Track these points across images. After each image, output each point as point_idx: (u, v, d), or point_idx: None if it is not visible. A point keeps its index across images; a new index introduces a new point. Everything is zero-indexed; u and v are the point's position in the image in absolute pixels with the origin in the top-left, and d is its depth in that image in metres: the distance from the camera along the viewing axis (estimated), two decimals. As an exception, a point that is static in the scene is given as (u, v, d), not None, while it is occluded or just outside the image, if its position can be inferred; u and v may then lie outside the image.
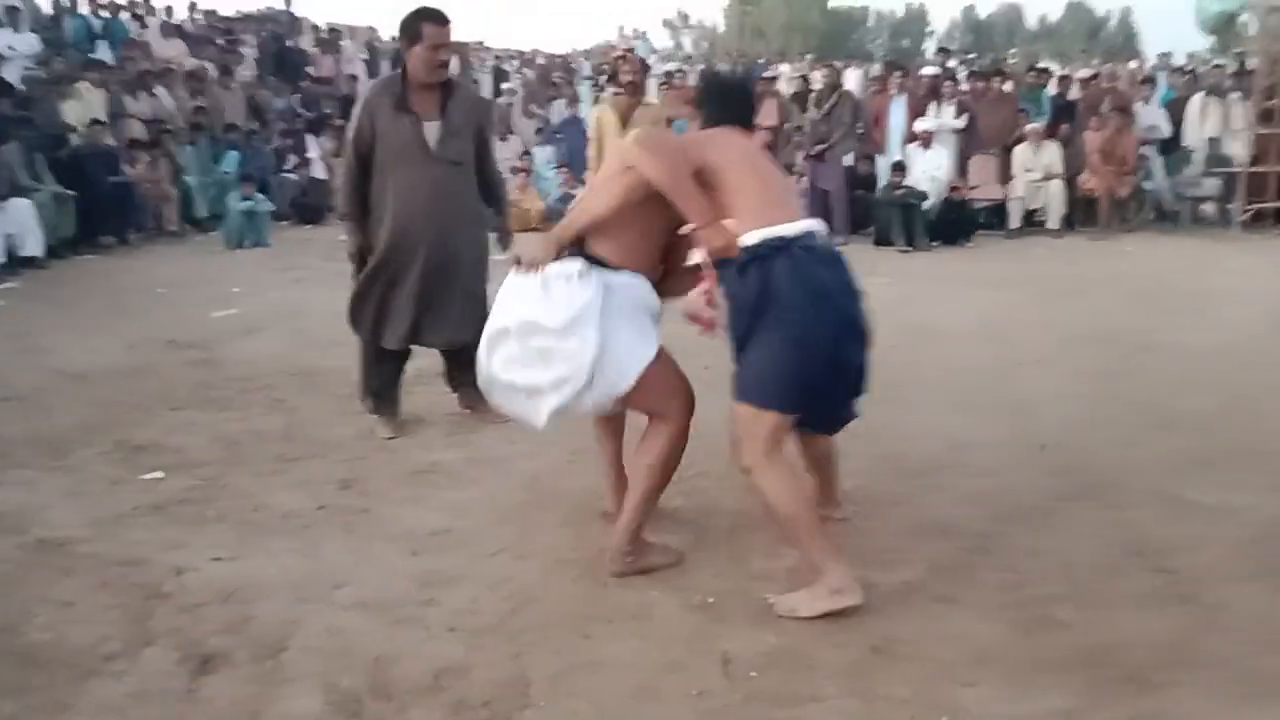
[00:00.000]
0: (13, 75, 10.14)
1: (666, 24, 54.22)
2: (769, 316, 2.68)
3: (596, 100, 13.43)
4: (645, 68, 7.22)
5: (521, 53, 21.18)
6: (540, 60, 19.38)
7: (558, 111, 13.62)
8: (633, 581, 2.87)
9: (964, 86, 11.66)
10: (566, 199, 10.58)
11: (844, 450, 3.92)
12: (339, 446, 4.07)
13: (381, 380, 4.25)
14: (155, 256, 9.32)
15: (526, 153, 11.80)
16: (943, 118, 10.69)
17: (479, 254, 4.22)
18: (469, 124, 4.14)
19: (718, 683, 2.39)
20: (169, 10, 14.79)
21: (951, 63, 15.26)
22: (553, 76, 16.49)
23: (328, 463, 3.90)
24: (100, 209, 9.23)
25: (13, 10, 11.62)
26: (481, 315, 3.23)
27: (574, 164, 11.06)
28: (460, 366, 4.16)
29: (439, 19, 3.96)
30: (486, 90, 14.50)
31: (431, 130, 4.00)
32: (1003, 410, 4.49)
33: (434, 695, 2.35)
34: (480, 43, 18.53)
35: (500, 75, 16.22)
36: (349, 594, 2.84)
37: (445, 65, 4.04)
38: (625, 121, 6.51)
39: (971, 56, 23.05)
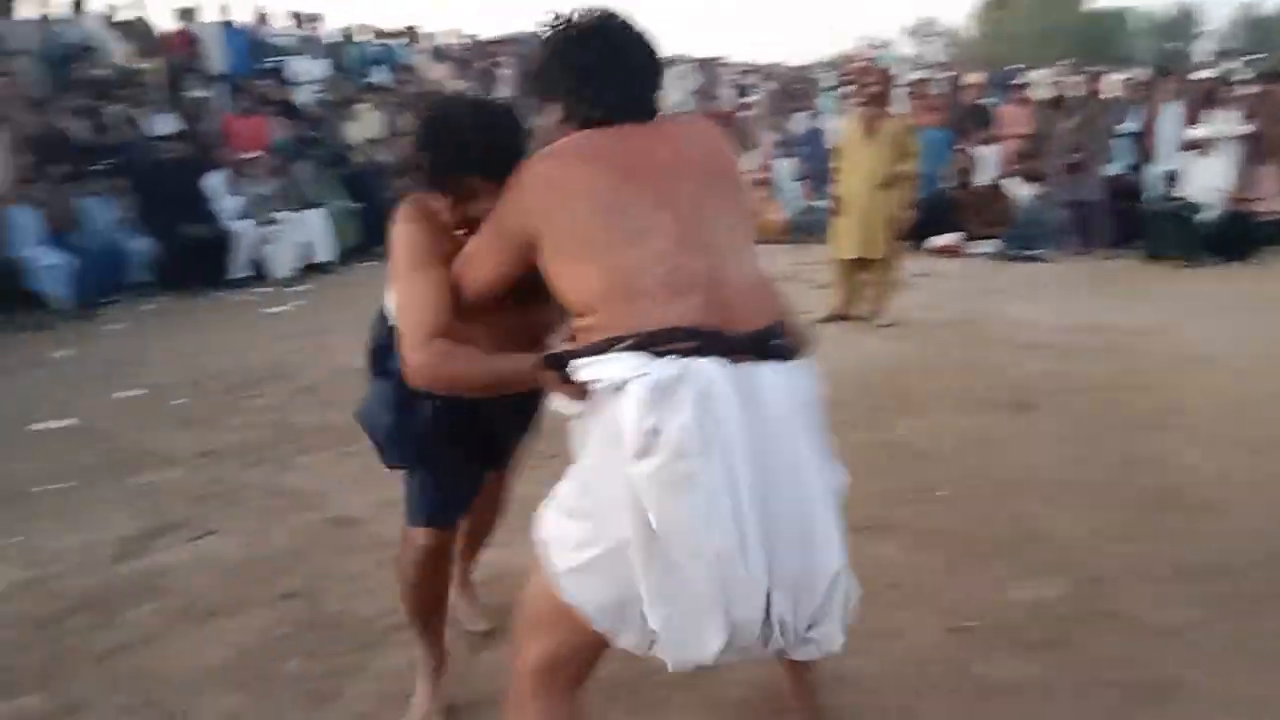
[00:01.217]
0: (305, 99, 11.23)
1: (911, 32, 52.89)
2: None
3: (841, 114, 13.36)
4: (889, 78, 7.11)
5: (762, 66, 21.29)
6: (781, 73, 19.40)
7: (799, 123, 13.60)
8: (882, 594, 2.82)
9: (1246, 90, 10.72)
10: (808, 211, 10.57)
11: (1112, 481, 3.72)
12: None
13: None
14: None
15: (768, 165, 11.85)
16: (1222, 124, 9.86)
17: None
18: None
19: (975, 706, 2.34)
20: (436, 36, 15.92)
21: (1230, 64, 14.06)
22: (793, 89, 16.48)
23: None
24: (379, 221, 10.01)
25: (306, 40, 12.88)
26: None
27: (814, 176, 11.02)
28: None
29: None
30: (728, 103, 14.67)
31: None
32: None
33: (689, 691, 2.42)
34: (721, 58, 18.78)
35: (742, 90, 16.39)
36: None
37: None
38: (869, 133, 6.45)
39: (1257, 57, 21.10)
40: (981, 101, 12.52)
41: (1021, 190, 10.30)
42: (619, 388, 1.60)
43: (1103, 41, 45.69)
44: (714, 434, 1.56)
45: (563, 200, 1.72)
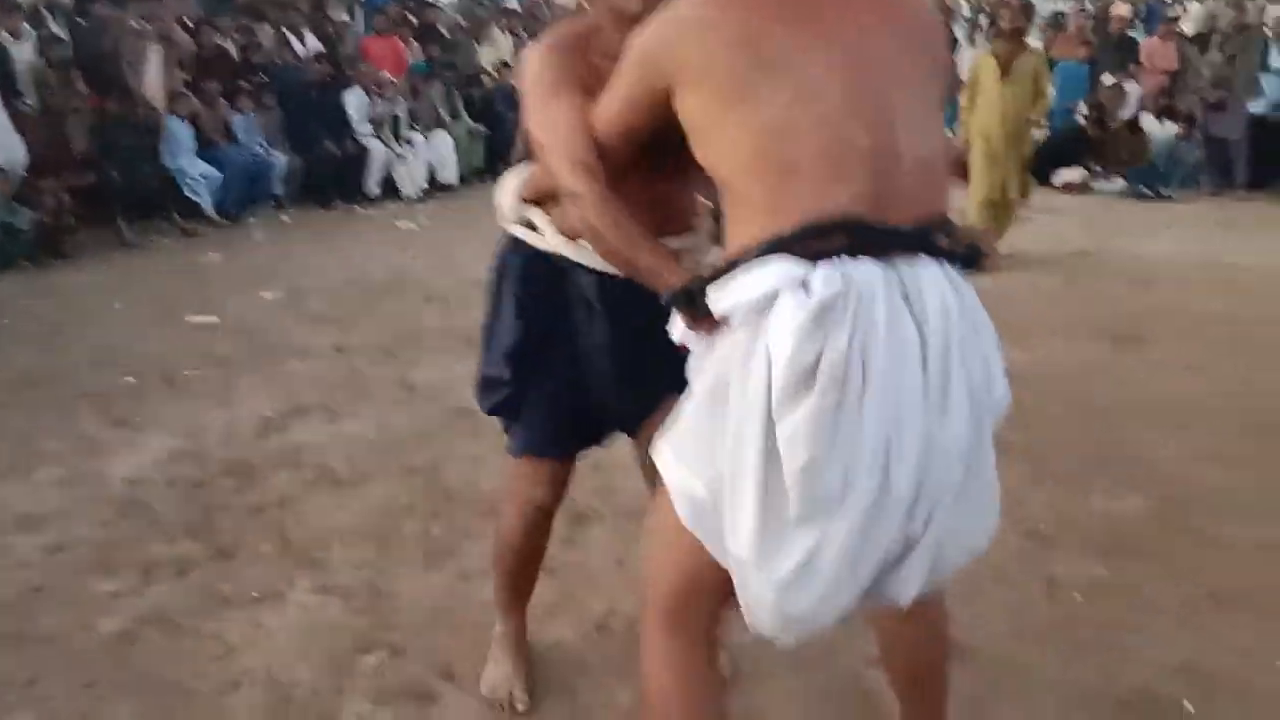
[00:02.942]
0: (440, 21, 11.49)
1: (1059, -39, 49.95)
2: None
3: (972, 43, 12.92)
4: (1028, 10, 6.85)
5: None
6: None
7: (930, 56, 13.23)
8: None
9: None
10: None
11: (1216, 409, 3.66)
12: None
13: None
14: (547, 188, 10.28)
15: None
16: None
17: None
18: None
19: (1039, 599, 2.46)
20: (568, -40, 15.94)
21: None
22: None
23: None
24: (505, 144, 10.31)
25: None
26: None
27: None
28: None
29: None
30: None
31: None
32: None
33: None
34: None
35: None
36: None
37: None
38: (1006, 70, 6.27)
39: None
40: (1130, 34, 11.95)
41: (1159, 128, 9.90)
42: (766, 305, 1.34)
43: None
44: (873, 361, 1.31)
45: (714, 42, 1.42)
